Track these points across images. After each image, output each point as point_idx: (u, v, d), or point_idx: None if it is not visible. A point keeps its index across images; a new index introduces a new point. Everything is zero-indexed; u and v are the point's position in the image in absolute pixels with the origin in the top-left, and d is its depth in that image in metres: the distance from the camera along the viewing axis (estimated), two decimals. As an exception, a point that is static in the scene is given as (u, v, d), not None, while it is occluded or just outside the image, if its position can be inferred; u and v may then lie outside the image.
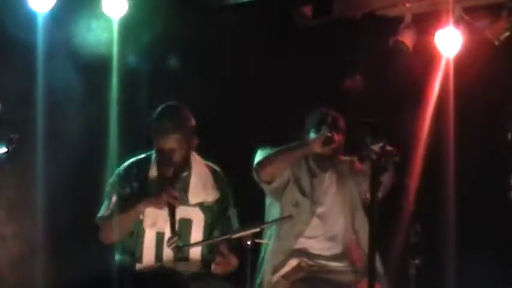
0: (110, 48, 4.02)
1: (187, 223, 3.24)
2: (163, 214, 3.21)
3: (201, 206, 3.27)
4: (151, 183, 3.22)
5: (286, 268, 3.41)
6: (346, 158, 3.57)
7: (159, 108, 3.26)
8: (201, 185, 3.27)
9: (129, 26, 4.06)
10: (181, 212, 3.23)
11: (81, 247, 3.88)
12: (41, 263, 3.93)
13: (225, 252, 3.11)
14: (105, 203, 3.25)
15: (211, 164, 3.36)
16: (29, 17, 3.91)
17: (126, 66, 4.12)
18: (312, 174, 3.48)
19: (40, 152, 3.92)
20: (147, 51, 4.21)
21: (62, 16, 3.98)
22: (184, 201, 3.23)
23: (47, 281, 3.86)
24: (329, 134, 3.38)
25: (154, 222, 3.21)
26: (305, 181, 3.46)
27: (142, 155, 3.32)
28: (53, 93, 3.96)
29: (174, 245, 3.19)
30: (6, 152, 3.18)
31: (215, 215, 3.28)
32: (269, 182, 3.44)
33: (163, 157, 3.19)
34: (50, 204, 3.99)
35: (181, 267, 3.21)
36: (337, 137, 3.43)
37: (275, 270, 3.42)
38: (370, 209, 2.91)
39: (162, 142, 3.18)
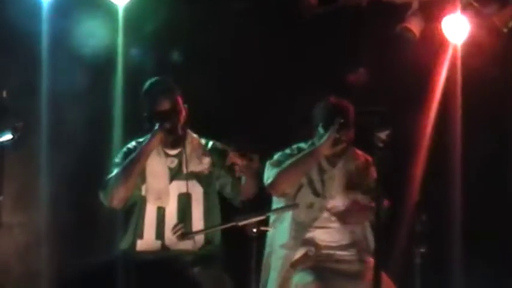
0: (115, 37, 4.00)
1: (186, 198, 3.29)
2: (166, 188, 3.27)
3: (198, 177, 3.31)
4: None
5: (294, 257, 3.41)
6: (362, 155, 3.51)
7: (148, 82, 3.40)
8: (194, 155, 3.33)
9: (134, 14, 4.04)
10: (179, 186, 3.29)
11: (86, 236, 3.89)
12: (47, 253, 3.94)
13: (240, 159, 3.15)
14: (112, 170, 3.31)
15: (204, 139, 3.43)
16: (34, 6, 3.90)
17: (131, 55, 4.11)
18: (322, 171, 3.45)
19: (45, 142, 3.93)
20: (152, 40, 4.19)
21: (66, 5, 3.96)
22: (181, 174, 3.29)
23: (52, 270, 3.88)
24: (337, 135, 3.36)
25: (158, 196, 3.27)
26: (317, 181, 3.44)
27: (141, 139, 3.37)
28: (57, 83, 3.96)
29: (179, 233, 3.20)
30: (12, 139, 3.19)
31: (213, 179, 3.33)
32: (284, 195, 3.43)
33: (162, 119, 3.27)
34: (55, 193, 3.99)
35: (184, 245, 3.24)
36: (347, 136, 3.39)
37: (283, 259, 3.42)
38: (376, 198, 2.89)
39: (159, 103, 3.28)
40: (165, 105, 3.28)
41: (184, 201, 3.28)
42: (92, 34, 4.02)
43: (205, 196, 3.31)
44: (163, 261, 1.51)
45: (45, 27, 3.90)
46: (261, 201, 3.45)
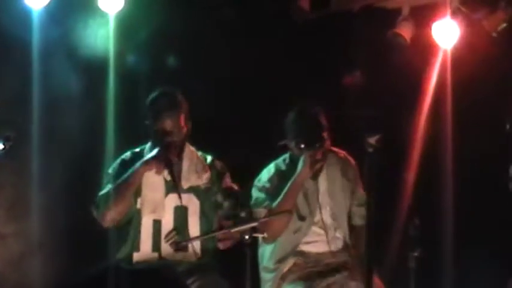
0: (107, 44, 4.01)
1: (182, 211, 3.27)
2: (161, 201, 3.25)
3: (195, 191, 3.30)
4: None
5: (284, 269, 3.40)
6: (341, 153, 3.50)
7: (155, 93, 3.35)
8: (193, 169, 3.31)
9: (125, 22, 4.05)
10: (175, 199, 3.27)
11: (80, 246, 3.88)
12: (41, 262, 3.93)
13: (226, 226, 3.12)
14: (105, 184, 3.28)
15: (202, 153, 3.41)
16: (24, 14, 3.90)
17: (123, 62, 4.11)
18: (305, 189, 3.42)
19: (37, 151, 3.92)
20: (144, 47, 4.19)
21: (57, 12, 3.96)
22: (178, 188, 3.27)
23: (46, 280, 3.87)
24: (311, 156, 3.29)
25: (154, 209, 3.25)
26: (301, 203, 3.41)
27: (137, 149, 3.36)
28: (49, 90, 3.96)
29: (172, 241, 3.20)
30: (3, 149, 3.18)
31: (211, 195, 3.30)
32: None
33: (163, 136, 3.24)
34: (48, 202, 3.98)
35: (179, 257, 3.23)
36: (322, 152, 3.32)
37: (273, 270, 3.41)
38: (367, 202, 2.90)
39: (160, 123, 3.24)
40: (167, 125, 3.23)
41: (181, 214, 3.26)
42: (84, 42, 4.02)
43: (202, 210, 3.29)
44: (156, 269, 1.51)
45: (36, 35, 3.90)
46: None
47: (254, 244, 3.21)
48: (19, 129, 3.49)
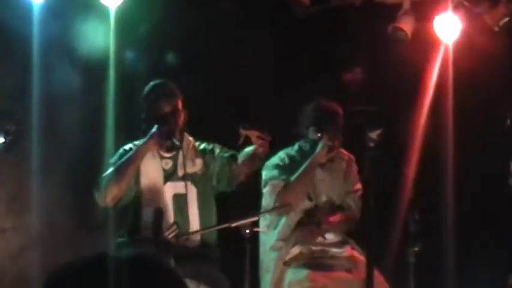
0: (107, 39, 3.99)
1: (181, 198, 3.29)
2: (160, 190, 3.28)
3: (192, 178, 3.32)
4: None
5: (288, 256, 3.41)
6: (346, 154, 3.57)
7: (149, 85, 3.40)
8: (189, 157, 3.33)
9: (125, 16, 4.03)
10: (174, 187, 3.30)
11: (80, 240, 3.88)
12: (40, 256, 3.93)
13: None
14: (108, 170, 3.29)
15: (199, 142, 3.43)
16: (25, 8, 3.88)
17: (123, 57, 4.10)
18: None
19: (37, 144, 3.91)
20: (144, 42, 4.18)
21: (57, 7, 3.95)
22: (175, 175, 3.29)
23: (46, 274, 3.85)
24: (331, 143, 3.41)
25: (152, 197, 3.27)
26: (310, 186, 3.49)
27: (137, 141, 3.36)
28: (49, 85, 3.94)
29: (172, 234, 3.20)
30: (3, 143, 3.17)
31: (210, 177, 3.34)
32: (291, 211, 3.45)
33: (163, 120, 3.26)
34: (48, 196, 3.98)
35: (180, 241, 3.24)
36: (338, 142, 3.45)
37: (275, 260, 3.42)
38: (367, 197, 2.89)
39: (160, 106, 3.28)
40: (165, 108, 3.29)
41: (180, 201, 3.28)
42: (84, 36, 4.01)
43: (199, 196, 3.32)
44: (143, 259, 1.50)
45: (36, 30, 3.88)
46: (253, 202, 3.45)
47: (254, 239, 3.20)
48: (19, 123, 3.49)
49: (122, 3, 3.97)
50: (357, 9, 4.21)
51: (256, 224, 3.12)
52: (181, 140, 3.33)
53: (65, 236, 3.98)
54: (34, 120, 3.88)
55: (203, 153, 3.39)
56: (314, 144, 3.47)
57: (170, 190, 3.30)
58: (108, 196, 3.23)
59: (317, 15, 4.29)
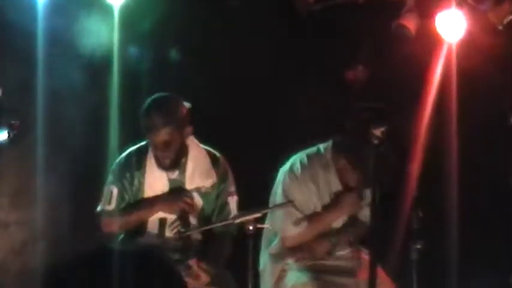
0: (111, 36, 4.00)
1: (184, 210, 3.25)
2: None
3: (199, 191, 3.27)
4: (151, 178, 3.23)
5: (290, 260, 3.40)
6: None
7: (147, 102, 3.21)
8: (198, 170, 3.26)
9: (129, 13, 4.04)
10: None
11: (83, 234, 3.89)
12: (44, 251, 3.94)
13: (196, 268, 3.14)
14: (106, 194, 3.26)
15: (210, 149, 3.34)
16: (29, 5, 3.89)
17: (127, 54, 4.11)
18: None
19: (41, 140, 3.92)
20: (148, 39, 4.18)
21: (62, 3, 3.96)
22: (182, 186, 3.24)
23: (48, 268, 3.86)
24: (358, 202, 3.33)
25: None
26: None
27: (140, 144, 3.32)
28: (53, 81, 3.95)
29: (176, 230, 3.21)
30: (8, 138, 3.18)
31: (212, 201, 3.28)
32: None
33: (159, 150, 3.18)
34: (52, 191, 3.99)
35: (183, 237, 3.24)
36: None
37: (279, 258, 3.42)
38: (372, 194, 2.89)
39: (154, 137, 3.16)
40: (163, 137, 3.13)
41: (184, 211, 3.23)
42: (88, 33, 4.02)
43: (203, 211, 3.26)
44: (144, 253, 1.51)
45: (40, 26, 3.89)
46: (257, 199, 3.46)
47: (257, 235, 3.21)
48: (23, 118, 3.49)
49: (126, 0, 3.98)
50: (360, 7, 4.21)
51: (259, 220, 3.12)
52: (186, 153, 3.20)
53: (68, 230, 3.99)
54: (38, 115, 3.90)
55: (217, 169, 3.27)
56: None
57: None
58: (111, 231, 3.23)
59: (321, 13, 4.29)
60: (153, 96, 3.23)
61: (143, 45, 4.19)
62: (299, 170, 3.36)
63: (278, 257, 3.41)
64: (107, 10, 4.00)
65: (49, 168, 3.97)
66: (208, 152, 3.32)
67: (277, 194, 3.41)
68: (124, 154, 3.31)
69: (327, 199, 3.38)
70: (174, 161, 3.21)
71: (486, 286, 3.75)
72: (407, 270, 3.20)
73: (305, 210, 3.36)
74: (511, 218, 3.77)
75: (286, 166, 3.42)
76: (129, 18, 4.04)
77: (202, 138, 3.39)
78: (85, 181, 3.82)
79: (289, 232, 3.35)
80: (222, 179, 3.29)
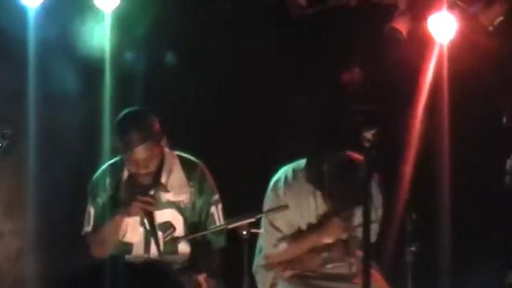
0: (103, 42, 4.00)
1: (167, 225, 3.19)
2: (131, 224, 3.17)
3: (177, 207, 3.19)
4: (124, 188, 3.18)
5: (280, 269, 3.39)
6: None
7: (120, 119, 3.13)
8: (172, 183, 3.17)
9: (121, 19, 4.04)
10: (158, 216, 3.18)
11: (78, 243, 3.88)
12: (39, 259, 3.93)
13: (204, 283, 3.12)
14: (86, 217, 3.25)
15: (187, 157, 3.24)
16: (20, 12, 3.89)
17: (120, 60, 4.11)
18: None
19: (34, 148, 3.92)
20: (140, 44, 4.18)
21: (53, 10, 3.96)
22: (158, 203, 3.16)
23: (44, 278, 3.87)
24: (342, 226, 3.28)
25: (123, 233, 3.18)
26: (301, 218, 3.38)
27: (114, 160, 3.27)
28: (46, 88, 3.95)
29: (169, 237, 3.19)
30: (0, 147, 3.17)
31: (195, 215, 3.21)
32: None
33: (140, 168, 3.11)
34: (46, 199, 3.98)
35: (168, 259, 3.19)
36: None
37: (269, 269, 3.41)
38: (364, 198, 2.89)
39: (134, 154, 3.07)
40: (143, 153, 3.04)
41: (167, 228, 3.17)
42: (80, 39, 4.02)
43: (185, 225, 3.19)
44: (150, 265, 1.51)
45: (32, 33, 3.89)
46: (251, 204, 3.46)
47: (252, 240, 3.21)
48: (16, 126, 3.49)
49: (118, 5, 3.98)
50: (353, 10, 4.22)
51: (253, 225, 3.11)
52: (161, 164, 3.12)
53: (63, 239, 3.98)
54: (31, 123, 3.89)
55: (193, 181, 3.17)
56: (322, 176, 3.22)
57: (157, 219, 3.16)
58: (101, 255, 3.17)
59: (313, 16, 4.30)
60: (124, 113, 3.15)
61: (136, 50, 4.20)
62: (282, 189, 3.32)
63: (267, 267, 3.40)
64: (99, 16, 4.00)
65: (43, 177, 3.96)
66: (184, 161, 3.21)
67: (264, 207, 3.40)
68: (98, 172, 3.26)
69: (311, 219, 3.35)
70: (155, 177, 3.14)
71: (479, 287, 3.75)
72: (402, 272, 3.20)
73: (287, 229, 3.33)
74: (503, 219, 3.78)
75: (273, 180, 3.39)
76: (121, 23, 4.04)
77: (195, 142, 3.38)
78: (79, 188, 3.81)
79: (269, 251, 3.35)
80: (199, 191, 3.19)
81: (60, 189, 4.00)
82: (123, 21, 4.06)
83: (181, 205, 3.19)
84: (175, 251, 3.20)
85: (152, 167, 3.12)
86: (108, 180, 3.21)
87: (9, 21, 3.86)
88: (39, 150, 3.94)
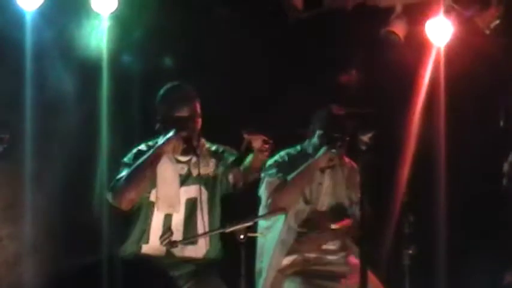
0: (100, 46, 4.00)
1: (192, 203, 3.27)
2: (177, 195, 3.24)
3: (205, 181, 3.29)
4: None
5: (283, 263, 3.42)
6: (348, 161, 3.56)
7: (167, 87, 3.35)
8: (203, 160, 3.30)
9: (119, 22, 4.05)
10: (187, 192, 3.28)
11: (75, 247, 3.88)
12: (36, 263, 3.93)
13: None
14: (121, 172, 3.25)
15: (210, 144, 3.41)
16: (17, 16, 3.90)
17: (117, 63, 4.11)
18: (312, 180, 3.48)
19: (32, 151, 3.92)
20: (137, 48, 4.19)
21: (50, 14, 3.96)
22: (189, 179, 3.27)
23: (42, 281, 3.86)
24: (334, 152, 3.39)
25: (169, 204, 3.24)
26: (307, 189, 3.48)
27: (151, 142, 3.33)
28: (43, 92, 3.95)
29: (166, 241, 3.21)
30: (-2, 152, 3.18)
31: (216, 185, 3.31)
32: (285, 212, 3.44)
33: (190, 121, 3.25)
34: (43, 204, 3.98)
35: (188, 252, 3.24)
36: (342, 152, 3.43)
37: (272, 265, 3.43)
38: (361, 200, 2.91)
39: (179, 109, 3.25)
40: (183, 112, 3.25)
41: (191, 206, 3.26)
42: (78, 43, 4.02)
43: (209, 200, 3.30)
44: (144, 264, 1.52)
45: (29, 37, 3.89)
46: (248, 208, 3.46)
47: (249, 244, 3.21)
48: (13, 130, 3.49)
49: (115, 9, 3.99)
50: (349, 13, 4.24)
51: (250, 229, 3.12)
52: (198, 144, 3.28)
53: (60, 243, 3.98)
54: (28, 127, 3.89)
55: (215, 154, 3.36)
56: (317, 148, 3.45)
57: (183, 195, 3.27)
58: (125, 200, 3.18)
59: (310, 19, 4.31)
60: (170, 83, 3.35)
61: (133, 53, 4.20)
62: (274, 175, 3.44)
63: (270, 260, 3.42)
64: (96, 20, 4.01)
65: (40, 181, 3.96)
66: (208, 146, 3.39)
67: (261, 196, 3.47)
68: (135, 148, 3.33)
69: (308, 192, 3.44)
70: (192, 142, 3.24)
71: (476, 287, 3.76)
72: (400, 274, 3.20)
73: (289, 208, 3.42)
74: (501, 220, 3.79)
75: (266, 165, 3.47)
76: (118, 27, 4.05)
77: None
78: (77, 192, 3.82)
79: (273, 196, 3.39)
80: (219, 153, 3.35)
81: (57, 193, 4.00)
82: (121, 25, 4.06)
83: (208, 179, 3.30)
84: (194, 242, 3.24)
85: (197, 128, 3.27)
86: (146, 151, 3.27)
87: (6, 25, 3.87)
88: (36, 154, 3.93)
